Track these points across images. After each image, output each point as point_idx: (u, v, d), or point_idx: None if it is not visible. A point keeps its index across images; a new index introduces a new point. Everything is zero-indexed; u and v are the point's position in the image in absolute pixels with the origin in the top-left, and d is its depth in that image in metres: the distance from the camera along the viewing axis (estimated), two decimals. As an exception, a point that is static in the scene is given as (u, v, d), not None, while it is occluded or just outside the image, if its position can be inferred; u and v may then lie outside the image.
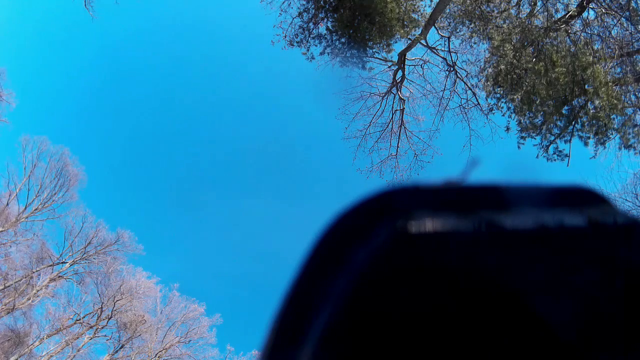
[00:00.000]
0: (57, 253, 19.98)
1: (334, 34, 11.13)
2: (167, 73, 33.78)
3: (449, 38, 12.08)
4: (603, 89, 8.85)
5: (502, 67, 10.03)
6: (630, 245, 0.30)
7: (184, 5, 29.65)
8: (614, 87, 9.13)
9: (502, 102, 10.92)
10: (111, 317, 19.76)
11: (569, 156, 10.43)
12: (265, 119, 33.48)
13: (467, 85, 12.39)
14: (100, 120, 33.14)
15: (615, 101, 8.97)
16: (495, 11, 10.73)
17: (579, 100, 9.59)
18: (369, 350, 0.25)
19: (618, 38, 10.08)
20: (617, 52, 9.72)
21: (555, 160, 10.55)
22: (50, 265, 19.80)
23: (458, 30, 11.47)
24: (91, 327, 19.81)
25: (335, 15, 10.75)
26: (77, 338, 19.67)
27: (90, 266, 20.22)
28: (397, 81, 12.92)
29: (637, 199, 11.84)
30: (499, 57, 10.17)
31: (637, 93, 10.22)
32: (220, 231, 33.04)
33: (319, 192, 30.83)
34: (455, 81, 12.59)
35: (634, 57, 10.17)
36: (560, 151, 10.51)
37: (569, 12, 10.53)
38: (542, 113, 10.12)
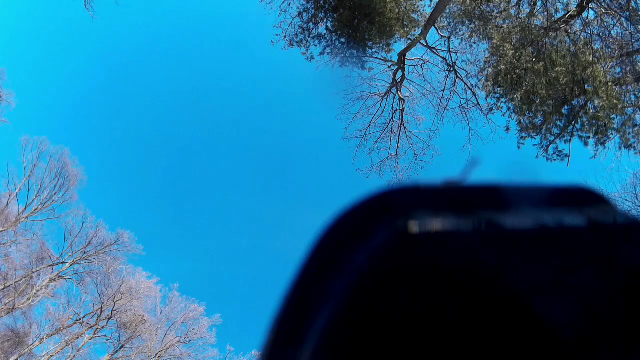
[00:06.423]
0: (57, 253, 20.00)
1: (333, 34, 11.13)
2: (167, 73, 33.77)
3: (449, 38, 12.09)
4: (603, 89, 8.85)
5: (502, 67, 10.02)
6: (630, 245, 0.30)
7: (184, 5, 29.66)
8: (614, 87, 9.12)
9: (502, 102, 10.93)
10: (111, 317, 19.76)
11: (569, 156, 10.43)
12: (265, 119, 33.48)
13: (467, 85, 12.39)
14: (100, 120, 33.11)
15: (615, 101, 8.97)
16: (495, 11, 10.73)
17: (579, 100, 9.59)
18: (369, 350, 0.25)
19: (618, 38, 10.08)
20: (617, 52, 9.72)
21: (555, 160, 10.56)
22: (50, 265, 19.80)
23: (458, 30, 11.48)
24: (91, 327, 19.81)
25: (335, 15, 10.75)
26: (77, 338, 19.66)
27: (90, 266, 20.24)
28: (397, 81, 12.93)
29: (637, 199, 11.83)
30: (499, 57, 10.17)
31: (637, 93, 10.21)
32: (220, 231, 33.04)
33: (319, 192, 30.80)
34: (455, 81, 12.59)
35: (634, 57, 10.16)
36: (560, 151, 10.52)
37: (569, 12, 10.53)
38: (542, 113, 10.12)
